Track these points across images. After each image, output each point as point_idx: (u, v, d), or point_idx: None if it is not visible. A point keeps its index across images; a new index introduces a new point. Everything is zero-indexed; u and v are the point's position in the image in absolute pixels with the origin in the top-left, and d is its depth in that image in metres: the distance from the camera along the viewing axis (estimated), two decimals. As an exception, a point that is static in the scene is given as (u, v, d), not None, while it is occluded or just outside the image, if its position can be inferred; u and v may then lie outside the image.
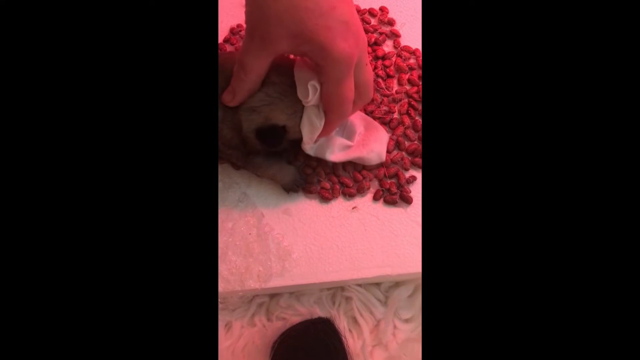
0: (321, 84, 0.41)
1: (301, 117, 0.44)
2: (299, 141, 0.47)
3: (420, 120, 0.55)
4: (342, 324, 0.50)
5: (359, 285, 0.52)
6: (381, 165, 0.52)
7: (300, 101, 0.43)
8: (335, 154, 0.49)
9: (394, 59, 0.59)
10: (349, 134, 0.51)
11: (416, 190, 0.52)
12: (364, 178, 0.52)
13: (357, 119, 0.52)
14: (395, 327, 0.51)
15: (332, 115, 0.43)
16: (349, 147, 0.50)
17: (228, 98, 0.43)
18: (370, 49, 0.59)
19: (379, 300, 0.52)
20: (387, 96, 0.56)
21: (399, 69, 0.58)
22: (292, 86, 0.43)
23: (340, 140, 0.50)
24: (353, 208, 0.51)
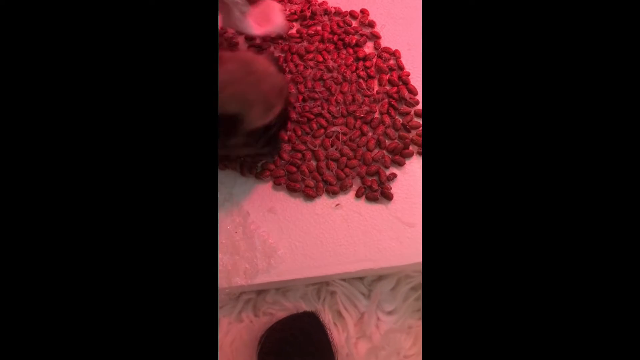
0: None
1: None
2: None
3: (400, 120, 0.57)
4: (327, 318, 0.52)
5: (343, 279, 0.53)
6: (363, 163, 0.54)
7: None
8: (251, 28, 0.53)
9: (374, 60, 0.60)
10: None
11: (397, 187, 0.54)
12: (346, 176, 0.54)
13: None
14: (378, 319, 0.53)
15: None
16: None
17: None
18: (351, 50, 0.61)
19: (362, 293, 0.53)
20: (368, 96, 0.58)
21: (380, 70, 0.60)
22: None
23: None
24: (336, 205, 0.53)
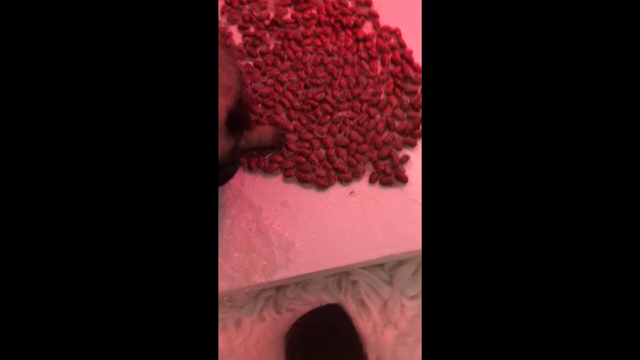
0: None
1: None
2: None
3: (408, 100, 0.55)
4: (351, 308, 0.51)
5: (363, 268, 0.52)
6: (373, 147, 0.53)
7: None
8: None
9: (375, 40, 0.58)
10: None
11: (411, 169, 0.52)
12: (358, 162, 0.52)
13: None
14: (402, 305, 0.52)
15: None
16: None
17: None
18: (350, 32, 0.59)
19: (384, 280, 0.52)
20: (373, 77, 0.56)
21: (381, 50, 0.58)
22: None
23: None
24: (350, 193, 0.52)
